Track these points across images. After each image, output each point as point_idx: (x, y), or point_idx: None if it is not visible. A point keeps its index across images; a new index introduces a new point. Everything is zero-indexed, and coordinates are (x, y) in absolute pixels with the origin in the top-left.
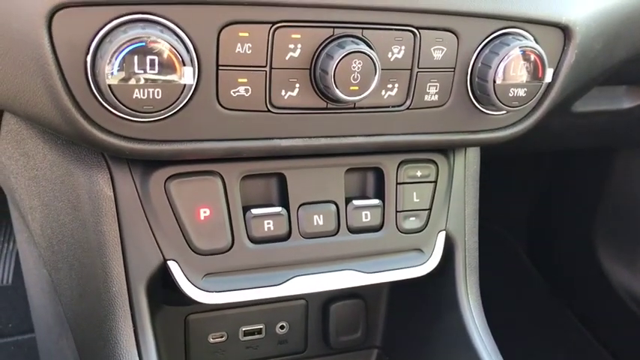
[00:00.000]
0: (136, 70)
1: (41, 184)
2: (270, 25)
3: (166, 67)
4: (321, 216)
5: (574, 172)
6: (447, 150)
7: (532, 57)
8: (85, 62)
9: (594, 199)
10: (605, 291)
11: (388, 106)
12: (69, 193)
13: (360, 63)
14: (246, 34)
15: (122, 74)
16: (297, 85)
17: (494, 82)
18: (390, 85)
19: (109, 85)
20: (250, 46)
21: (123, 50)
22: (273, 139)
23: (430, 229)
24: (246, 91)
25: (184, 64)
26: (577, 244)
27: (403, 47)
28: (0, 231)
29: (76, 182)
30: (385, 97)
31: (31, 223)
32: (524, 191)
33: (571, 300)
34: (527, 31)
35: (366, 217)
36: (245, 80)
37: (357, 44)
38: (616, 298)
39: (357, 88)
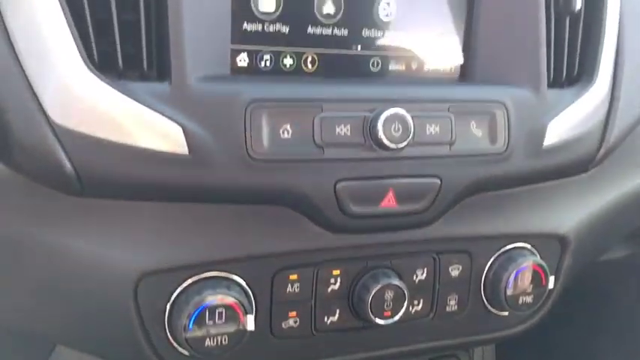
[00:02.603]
0: (207, 323)
1: None
2: (314, 266)
3: (232, 318)
4: None
5: None
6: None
7: (537, 270)
8: (164, 320)
9: None
10: None
11: (415, 319)
12: None
13: (392, 292)
14: (295, 277)
15: (196, 328)
16: (338, 311)
17: (506, 293)
18: (415, 302)
19: (186, 339)
20: (298, 285)
21: (198, 309)
22: (317, 358)
23: None
24: (295, 322)
25: (246, 313)
26: None
27: (425, 269)
28: None
29: None
30: (412, 312)
31: None
32: None
33: None
34: (529, 243)
35: None
36: (294, 314)
37: (389, 277)
38: None
39: (389, 312)
